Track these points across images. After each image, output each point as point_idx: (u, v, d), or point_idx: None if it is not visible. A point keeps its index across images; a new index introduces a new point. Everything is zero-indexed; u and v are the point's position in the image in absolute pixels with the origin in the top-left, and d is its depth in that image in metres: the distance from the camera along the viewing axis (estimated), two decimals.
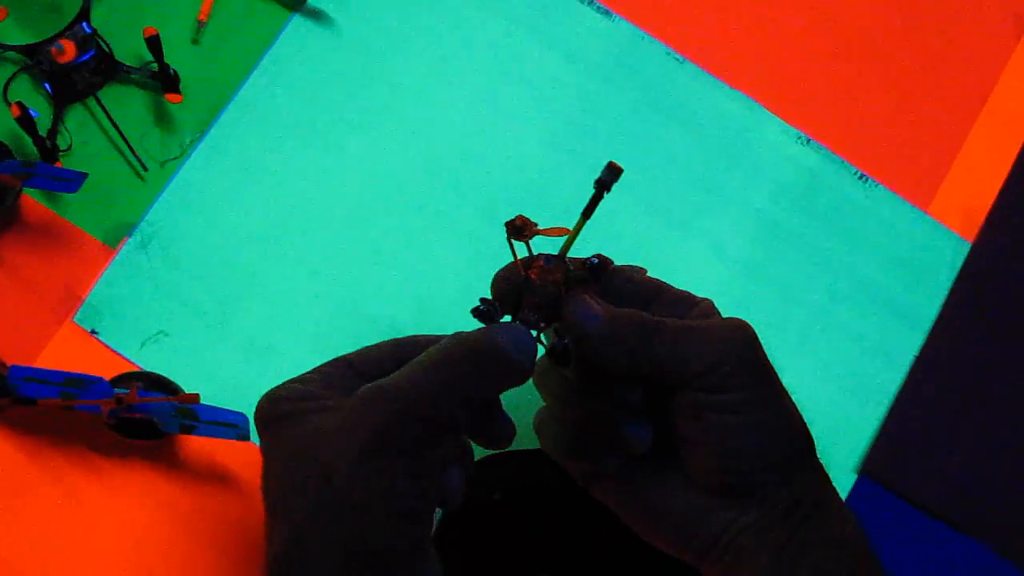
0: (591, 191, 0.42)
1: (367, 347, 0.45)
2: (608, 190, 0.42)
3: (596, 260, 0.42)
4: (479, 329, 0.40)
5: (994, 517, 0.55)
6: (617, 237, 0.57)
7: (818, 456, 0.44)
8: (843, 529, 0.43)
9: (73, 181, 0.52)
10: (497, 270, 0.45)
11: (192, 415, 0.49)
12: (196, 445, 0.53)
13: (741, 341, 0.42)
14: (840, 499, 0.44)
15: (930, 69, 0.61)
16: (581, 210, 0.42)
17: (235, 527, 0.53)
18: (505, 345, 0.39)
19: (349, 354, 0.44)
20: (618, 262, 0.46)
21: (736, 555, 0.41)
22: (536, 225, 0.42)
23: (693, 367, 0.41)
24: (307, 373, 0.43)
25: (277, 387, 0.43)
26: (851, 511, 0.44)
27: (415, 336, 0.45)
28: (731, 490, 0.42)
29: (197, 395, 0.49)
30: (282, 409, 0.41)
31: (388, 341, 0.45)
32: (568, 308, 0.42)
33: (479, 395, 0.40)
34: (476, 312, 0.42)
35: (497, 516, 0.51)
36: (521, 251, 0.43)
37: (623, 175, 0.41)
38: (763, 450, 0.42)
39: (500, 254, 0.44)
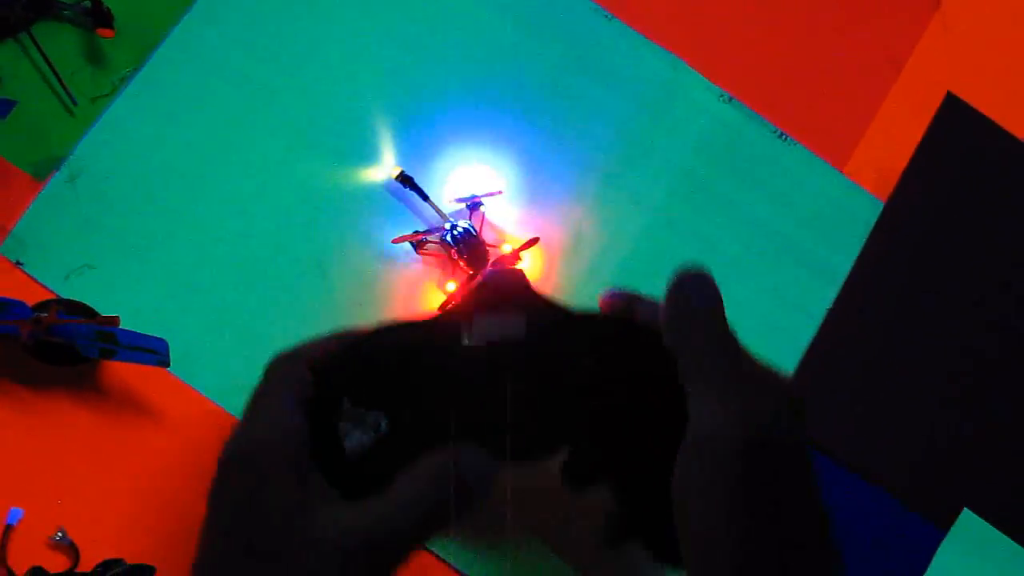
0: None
1: (313, 343, 0.45)
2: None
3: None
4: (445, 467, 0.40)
5: (899, 468, 0.57)
6: (544, 188, 0.58)
7: None
8: None
9: (1, 108, 0.52)
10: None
11: (112, 339, 0.50)
12: (117, 375, 0.53)
13: None
14: None
15: (849, 34, 0.63)
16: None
17: (153, 457, 0.53)
18: (472, 484, 0.40)
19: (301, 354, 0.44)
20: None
21: None
22: None
23: None
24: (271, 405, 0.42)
25: (246, 433, 0.41)
26: None
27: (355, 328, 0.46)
28: None
29: (117, 317, 0.49)
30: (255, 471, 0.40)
31: (332, 336, 0.45)
32: None
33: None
34: None
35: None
36: None
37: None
38: None
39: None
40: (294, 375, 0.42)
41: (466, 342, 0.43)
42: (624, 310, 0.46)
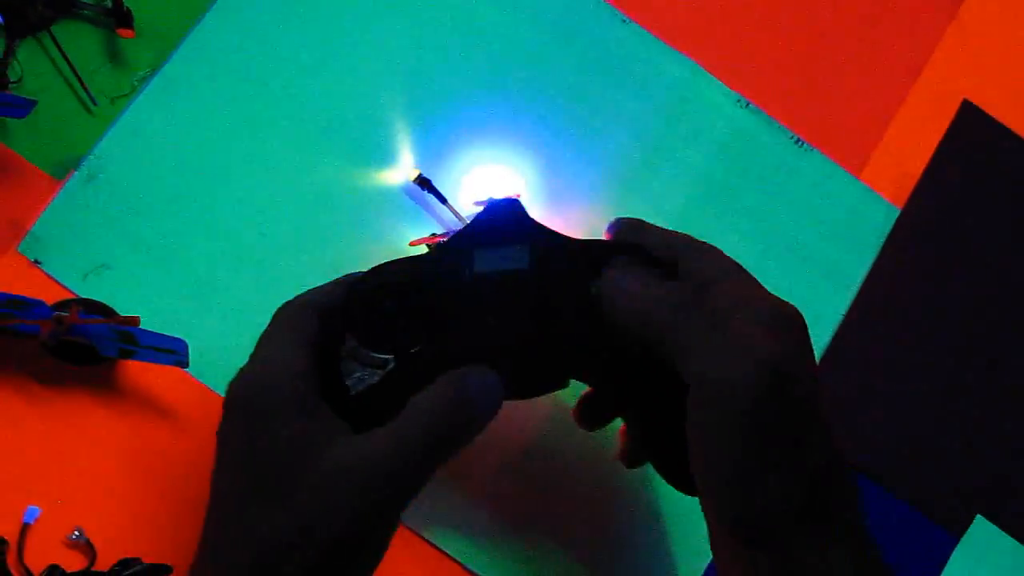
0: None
1: (319, 289, 0.46)
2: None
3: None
4: (450, 389, 0.40)
5: (912, 474, 0.57)
6: (562, 191, 0.58)
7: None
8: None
9: (22, 107, 0.52)
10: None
11: (131, 339, 0.50)
12: (135, 375, 0.53)
13: None
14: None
15: (867, 39, 0.63)
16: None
17: (170, 457, 0.53)
18: (480, 400, 0.41)
19: (307, 300, 0.45)
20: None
21: None
22: None
23: None
24: (270, 346, 0.43)
25: (251, 371, 0.42)
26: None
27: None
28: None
29: (137, 317, 0.49)
30: (256, 407, 0.40)
31: (337, 280, 0.46)
32: None
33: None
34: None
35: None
36: None
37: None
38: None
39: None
40: (299, 318, 0.43)
41: (468, 274, 0.43)
42: (630, 236, 0.46)
